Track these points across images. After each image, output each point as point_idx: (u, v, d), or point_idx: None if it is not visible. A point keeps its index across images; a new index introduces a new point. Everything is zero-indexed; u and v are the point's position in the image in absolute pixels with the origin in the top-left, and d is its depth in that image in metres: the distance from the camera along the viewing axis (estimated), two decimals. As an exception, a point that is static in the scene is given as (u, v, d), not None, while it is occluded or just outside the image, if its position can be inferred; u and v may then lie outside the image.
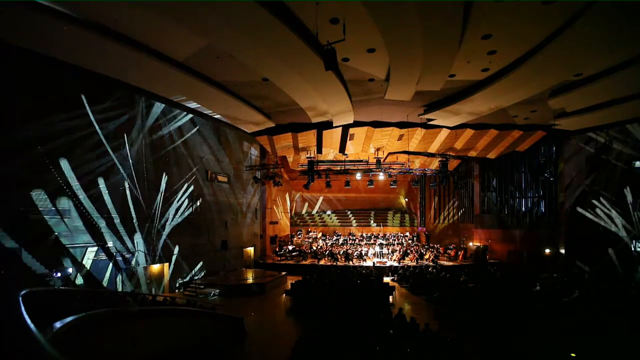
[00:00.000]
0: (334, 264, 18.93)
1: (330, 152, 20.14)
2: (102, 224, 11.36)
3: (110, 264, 11.60)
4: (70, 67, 9.96)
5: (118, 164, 11.95)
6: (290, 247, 22.31)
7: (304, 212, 29.37)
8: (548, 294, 11.83)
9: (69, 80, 10.43)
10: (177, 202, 14.65)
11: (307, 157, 17.86)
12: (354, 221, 28.31)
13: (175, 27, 8.24)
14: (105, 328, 6.18)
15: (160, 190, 13.80)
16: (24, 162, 9.33)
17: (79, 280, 10.56)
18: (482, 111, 14.23)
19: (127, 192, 12.35)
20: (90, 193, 11.03)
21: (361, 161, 20.55)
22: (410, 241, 24.62)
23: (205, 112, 15.30)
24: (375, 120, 16.59)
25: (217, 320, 9.45)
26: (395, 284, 15.37)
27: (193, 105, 14.13)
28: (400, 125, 16.77)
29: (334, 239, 24.57)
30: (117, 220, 11.92)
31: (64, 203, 10.26)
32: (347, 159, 20.17)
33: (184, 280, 14.79)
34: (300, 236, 25.57)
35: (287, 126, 17.26)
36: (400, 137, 18.09)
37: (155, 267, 13.70)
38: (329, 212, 29.33)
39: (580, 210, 17.32)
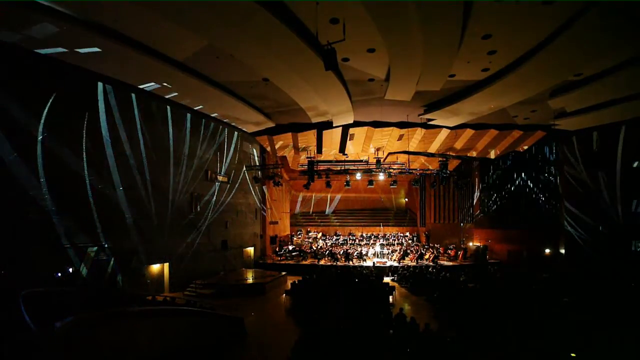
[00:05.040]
0: (334, 264, 18.92)
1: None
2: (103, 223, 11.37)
3: (111, 264, 11.59)
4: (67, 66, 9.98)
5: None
6: (290, 247, 22.30)
7: (304, 212, 29.38)
8: (548, 294, 11.83)
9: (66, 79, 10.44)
10: (177, 201, 14.64)
11: (307, 157, 17.87)
12: (354, 221, 28.32)
13: (175, 27, 8.24)
14: (105, 328, 6.17)
15: (161, 190, 13.79)
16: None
17: (79, 280, 10.55)
18: (482, 111, 14.23)
19: (131, 192, 12.35)
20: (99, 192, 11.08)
21: (361, 161, 20.55)
22: (410, 241, 24.63)
23: (205, 112, 15.30)
24: (375, 120, 16.60)
25: (217, 320, 9.44)
26: (395, 284, 15.36)
27: (188, 103, 14.13)
28: (400, 125, 16.77)
29: (334, 239, 24.58)
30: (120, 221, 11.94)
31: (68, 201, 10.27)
32: (347, 159, 20.17)
33: (184, 280, 14.77)
34: (300, 236, 25.58)
35: (287, 126, 17.27)
36: (400, 137, 18.09)
37: (156, 267, 13.70)
38: (329, 212, 29.34)
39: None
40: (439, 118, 15.44)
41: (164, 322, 7.64)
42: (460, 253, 20.59)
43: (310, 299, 11.80)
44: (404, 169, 19.84)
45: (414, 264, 18.64)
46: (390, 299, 12.90)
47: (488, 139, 17.94)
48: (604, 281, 13.57)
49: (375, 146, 19.59)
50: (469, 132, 17.21)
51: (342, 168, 20.10)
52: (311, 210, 29.52)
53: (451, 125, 16.46)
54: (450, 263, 19.17)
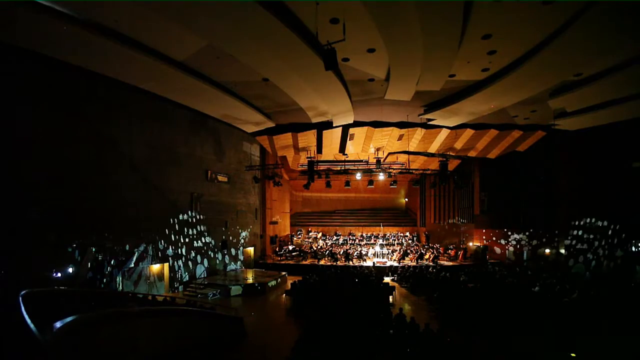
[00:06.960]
0: (334, 264, 18.92)
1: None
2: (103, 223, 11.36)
3: (110, 264, 11.59)
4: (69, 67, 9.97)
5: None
6: (290, 247, 22.30)
7: (304, 211, 29.36)
8: (548, 294, 11.82)
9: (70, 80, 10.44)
10: (177, 202, 14.64)
11: (307, 157, 17.87)
12: (354, 221, 28.31)
13: (175, 27, 8.25)
14: (105, 328, 6.18)
15: (160, 190, 13.79)
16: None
17: (79, 280, 10.55)
18: (482, 111, 14.23)
19: (131, 192, 12.35)
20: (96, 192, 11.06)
21: (361, 161, 20.54)
22: (410, 241, 24.63)
23: (205, 112, 15.29)
24: (375, 120, 16.60)
25: (217, 320, 9.45)
26: (395, 284, 15.36)
27: (188, 103, 14.11)
28: (400, 125, 16.77)
29: (334, 239, 24.58)
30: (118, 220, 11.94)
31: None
32: (347, 159, 20.16)
33: (184, 280, 14.77)
34: (300, 236, 25.57)
35: (287, 126, 17.27)
36: (400, 137, 18.09)
37: (155, 267, 13.69)
38: (329, 212, 29.33)
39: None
40: (439, 118, 15.44)
41: (164, 322, 7.65)
42: (460, 253, 20.59)
43: (310, 299, 11.80)
44: (404, 169, 19.84)
45: (414, 264, 18.64)
46: (390, 299, 12.91)
47: (488, 139, 17.94)
48: (604, 281, 13.57)
49: (375, 146, 19.58)
50: (469, 132, 17.21)
51: (342, 168, 20.10)
52: (311, 210, 29.52)
53: (451, 125, 16.45)
54: (450, 263, 19.18)
